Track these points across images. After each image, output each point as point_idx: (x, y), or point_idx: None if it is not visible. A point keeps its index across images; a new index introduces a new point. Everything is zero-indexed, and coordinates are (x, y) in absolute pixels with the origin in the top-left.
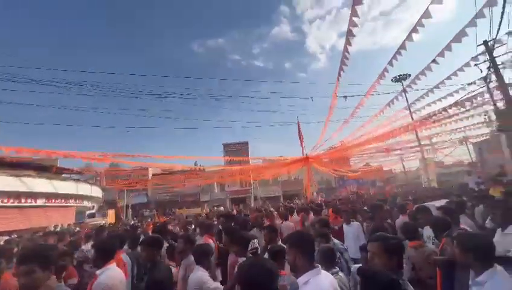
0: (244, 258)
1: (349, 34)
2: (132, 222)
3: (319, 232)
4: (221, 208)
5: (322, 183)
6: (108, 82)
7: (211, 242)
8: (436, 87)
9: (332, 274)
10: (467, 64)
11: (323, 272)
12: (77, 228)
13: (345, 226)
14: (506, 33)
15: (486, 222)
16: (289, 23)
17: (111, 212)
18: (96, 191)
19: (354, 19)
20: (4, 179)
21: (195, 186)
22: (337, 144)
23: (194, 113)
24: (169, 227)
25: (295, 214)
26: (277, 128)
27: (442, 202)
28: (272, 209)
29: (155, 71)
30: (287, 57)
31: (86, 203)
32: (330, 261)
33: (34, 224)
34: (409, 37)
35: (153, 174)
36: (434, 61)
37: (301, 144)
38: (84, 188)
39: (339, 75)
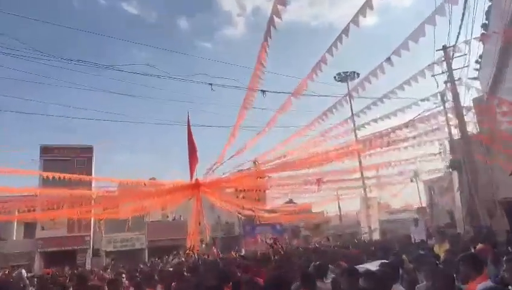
0: None
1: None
2: None
3: None
4: (23, 272)
5: (217, 229)
6: None
7: None
8: (386, 96)
9: None
10: (422, 73)
11: None
12: None
13: None
14: (464, 41)
15: None
16: None
17: None
18: None
19: None
20: None
21: None
22: (245, 164)
23: None
24: None
25: None
26: (147, 130)
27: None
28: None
29: None
30: (184, 11)
31: None
32: None
33: None
34: (354, 20)
35: None
36: (388, 60)
37: (192, 157)
38: None
39: (262, 55)
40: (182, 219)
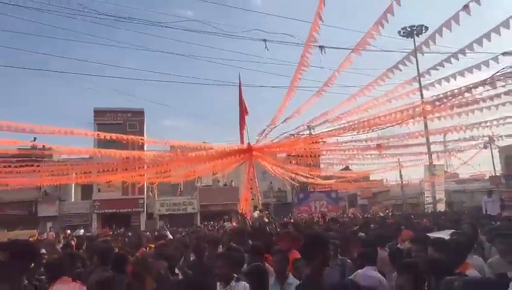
0: None
1: None
2: None
3: None
4: (81, 231)
5: (270, 195)
6: None
7: None
8: (462, 52)
9: None
10: (506, 24)
11: None
12: None
13: None
14: None
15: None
16: None
17: None
18: None
19: None
20: None
21: (28, 186)
22: (300, 129)
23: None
24: None
25: None
26: (197, 92)
27: (447, 234)
28: None
29: None
30: None
31: None
32: None
33: None
34: None
35: None
36: (465, 8)
37: (242, 123)
38: None
39: (320, 5)
40: (233, 184)
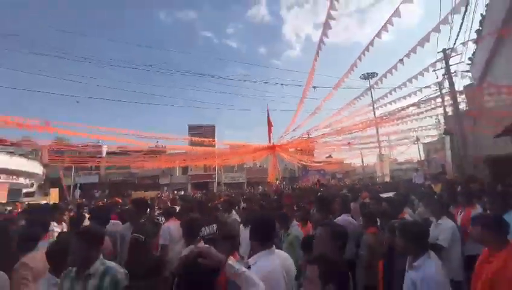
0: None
1: (327, 24)
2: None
3: None
4: (182, 192)
5: (285, 172)
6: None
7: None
8: (399, 87)
9: None
10: (426, 70)
11: (278, 253)
12: (9, 208)
13: None
14: (461, 43)
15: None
16: (267, 6)
17: (54, 192)
18: (35, 167)
19: (332, 11)
20: None
21: (154, 168)
22: (303, 134)
23: (157, 89)
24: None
25: None
26: (244, 114)
27: (391, 195)
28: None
29: (111, 36)
30: (262, 42)
31: (22, 180)
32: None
33: None
34: (378, 34)
35: (108, 153)
36: (401, 61)
37: (269, 131)
38: (20, 163)
39: (314, 63)
40: (265, 166)
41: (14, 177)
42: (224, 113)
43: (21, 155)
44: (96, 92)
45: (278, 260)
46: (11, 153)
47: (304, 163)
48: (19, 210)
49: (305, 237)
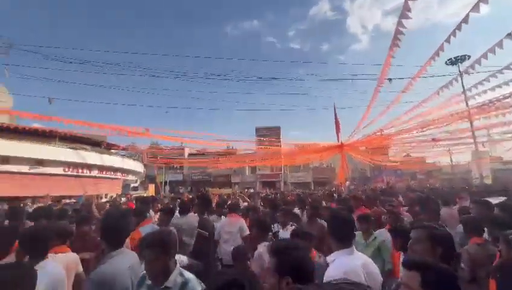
0: (266, 243)
1: (406, 4)
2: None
3: None
4: (251, 190)
5: (356, 172)
6: (133, 62)
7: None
8: (500, 72)
9: None
10: None
11: (359, 254)
12: (123, 198)
13: None
14: None
15: None
16: (329, 1)
17: (151, 187)
18: (139, 167)
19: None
20: (65, 151)
21: (227, 167)
22: (376, 131)
23: (226, 96)
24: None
25: None
26: (310, 114)
27: (499, 200)
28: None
29: (186, 53)
30: (326, 39)
31: (130, 177)
32: None
33: (87, 191)
34: (475, 8)
35: (189, 154)
36: (499, 44)
37: (337, 130)
38: (129, 163)
39: (390, 54)
40: (332, 165)
41: (125, 175)
42: (290, 114)
43: (129, 157)
44: (180, 102)
45: (358, 261)
46: (122, 156)
47: (377, 162)
48: (129, 201)
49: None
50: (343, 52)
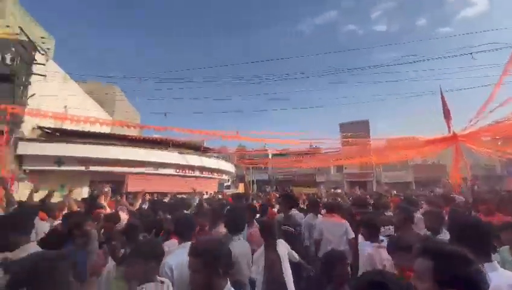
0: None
1: None
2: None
3: None
4: (339, 190)
5: (477, 168)
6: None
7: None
8: None
9: None
10: None
11: (505, 271)
12: (219, 196)
13: None
14: None
15: None
16: None
17: (241, 185)
18: (230, 167)
19: None
20: (175, 155)
21: (310, 167)
22: (508, 116)
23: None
24: None
25: None
26: (406, 102)
27: None
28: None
29: (263, 55)
30: (419, 12)
31: (224, 177)
32: None
33: (192, 189)
34: None
35: (272, 154)
36: None
37: (447, 118)
38: (223, 164)
39: None
40: (440, 162)
41: (220, 174)
42: (380, 106)
43: (222, 159)
44: (256, 104)
45: (506, 280)
46: (217, 158)
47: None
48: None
49: None
50: (446, 23)
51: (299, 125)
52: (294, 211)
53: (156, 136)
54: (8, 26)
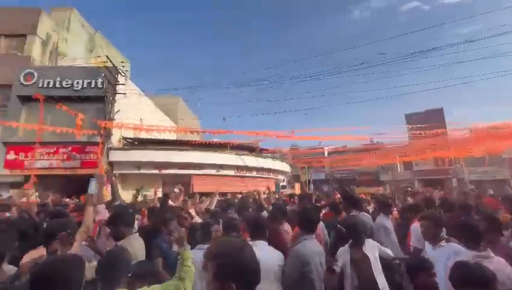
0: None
1: None
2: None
3: None
4: (409, 189)
5: None
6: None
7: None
8: None
9: None
10: None
11: None
12: (276, 195)
13: None
14: None
15: None
16: None
17: (297, 185)
18: (286, 167)
19: None
20: (232, 156)
21: (373, 164)
22: None
23: (367, 85)
24: None
25: None
26: (494, 83)
27: None
28: None
29: (314, 48)
30: None
31: (279, 177)
32: None
33: (249, 189)
34: None
35: (329, 153)
36: None
37: None
38: (278, 164)
39: None
40: None
41: (276, 174)
42: (452, 91)
43: (277, 159)
44: (317, 101)
45: None
46: (273, 158)
47: None
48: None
49: None
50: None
51: (359, 120)
52: (359, 213)
53: (215, 139)
54: (98, 56)
